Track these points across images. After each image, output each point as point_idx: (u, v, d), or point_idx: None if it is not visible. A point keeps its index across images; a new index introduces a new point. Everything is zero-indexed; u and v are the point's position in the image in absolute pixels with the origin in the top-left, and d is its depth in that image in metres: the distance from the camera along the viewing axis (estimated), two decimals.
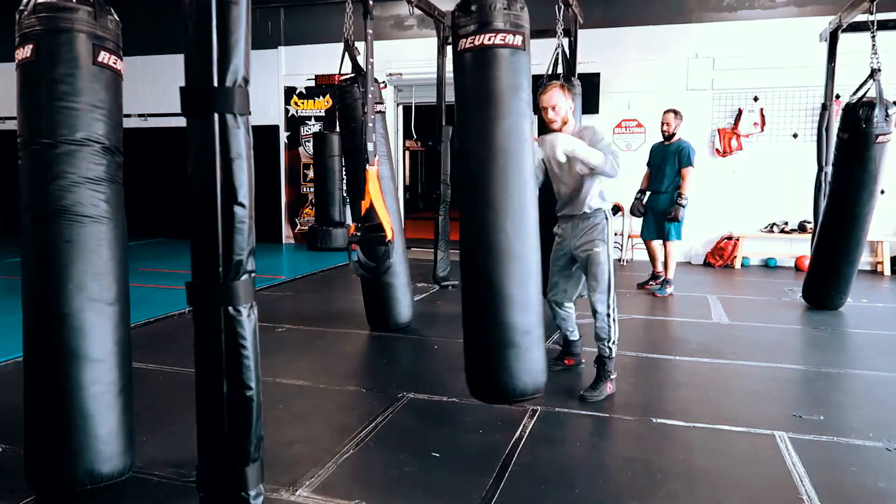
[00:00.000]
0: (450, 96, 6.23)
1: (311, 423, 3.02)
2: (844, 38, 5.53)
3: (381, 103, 4.44)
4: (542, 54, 4.80)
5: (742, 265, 7.74)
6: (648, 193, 6.04)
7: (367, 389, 3.42)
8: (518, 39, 2.61)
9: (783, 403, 3.26)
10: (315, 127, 9.28)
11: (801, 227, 7.53)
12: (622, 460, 2.61)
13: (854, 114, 4.84)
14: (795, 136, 7.67)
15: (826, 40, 5.68)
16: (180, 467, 2.43)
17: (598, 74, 7.96)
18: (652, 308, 5.45)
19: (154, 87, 9.50)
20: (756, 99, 7.72)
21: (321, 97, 9.30)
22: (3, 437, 2.70)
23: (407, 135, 9.97)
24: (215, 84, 1.70)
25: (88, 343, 2.20)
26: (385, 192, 3.66)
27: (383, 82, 8.66)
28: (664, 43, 7.91)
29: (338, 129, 4.69)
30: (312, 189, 8.45)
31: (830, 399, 3.30)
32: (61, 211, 2.17)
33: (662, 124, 5.88)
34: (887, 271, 7.28)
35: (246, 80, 1.75)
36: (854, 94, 4.98)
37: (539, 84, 3.53)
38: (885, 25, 5.08)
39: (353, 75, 4.27)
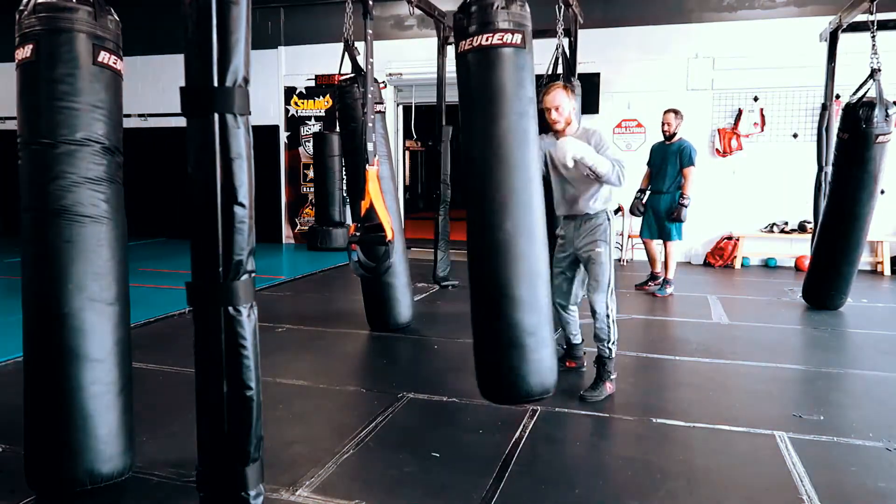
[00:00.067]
0: (450, 96, 6.29)
1: (311, 423, 3.02)
2: (844, 38, 5.53)
3: (381, 103, 4.44)
4: (542, 54, 4.80)
5: (742, 265, 7.74)
6: (648, 193, 6.05)
7: (367, 389, 3.42)
8: (519, 38, 2.61)
9: (783, 403, 3.26)
10: (315, 127, 9.29)
11: (801, 227, 7.53)
12: (622, 460, 2.61)
13: (854, 114, 4.84)
14: (795, 136, 7.67)
15: (826, 40, 5.68)
16: (180, 467, 2.43)
17: (598, 74, 7.96)
18: (652, 308, 5.45)
19: (154, 87, 9.50)
20: (756, 99, 7.72)
21: (321, 97, 9.30)
22: (3, 437, 2.70)
23: (407, 135, 9.97)
24: (215, 84, 1.70)
25: (88, 343, 2.20)
26: (385, 192, 3.66)
27: (383, 82, 8.66)
28: (664, 43, 7.91)
29: (338, 129, 4.69)
30: (312, 189, 8.47)
31: (830, 399, 3.30)
32: (61, 211, 2.17)
33: (663, 124, 5.88)
34: (887, 271, 7.28)
35: (246, 80, 1.75)
36: (854, 94, 4.98)
37: (539, 84, 3.53)
38: (885, 25, 5.08)
39: (353, 75, 4.27)
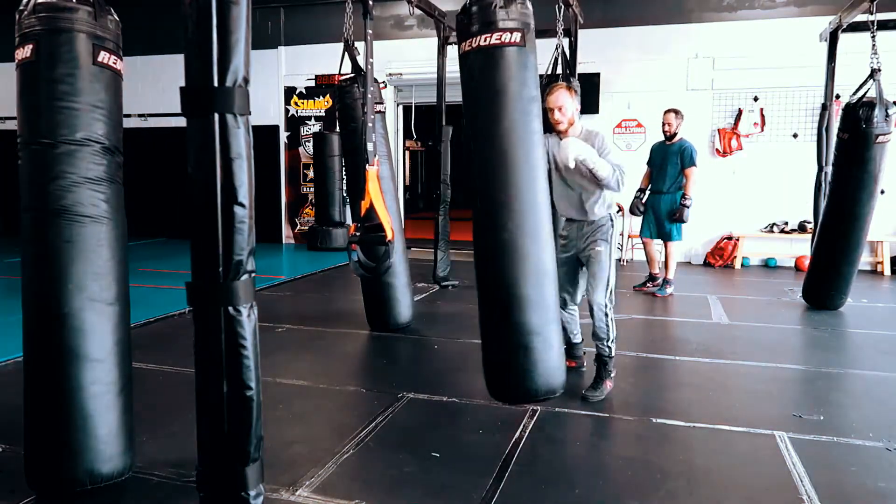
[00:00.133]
0: (450, 96, 6.30)
1: (311, 423, 3.02)
2: (844, 38, 5.53)
3: (381, 103, 4.44)
4: (542, 54, 4.80)
5: (742, 265, 7.73)
6: (648, 192, 6.05)
7: (367, 389, 3.42)
8: (521, 37, 2.61)
9: (783, 403, 3.26)
10: (315, 127, 9.29)
11: (801, 227, 7.53)
12: (622, 460, 2.61)
13: (854, 114, 4.84)
14: (795, 136, 7.67)
15: (826, 40, 5.68)
16: (180, 467, 2.43)
17: (598, 74, 7.96)
18: (652, 308, 5.45)
19: (154, 87, 9.50)
20: (756, 99, 7.72)
21: (321, 97, 9.30)
22: (3, 437, 2.70)
23: (407, 135, 9.97)
24: (215, 84, 1.70)
25: (88, 343, 2.20)
26: (385, 192, 3.66)
27: (383, 82, 8.66)
28: (664, 43, 7.91)
29: (338, 129, 4.69)
30: (312, 189, 8.46)
31: (830, 399, 3.30)
32: (61, 211, 2.17)
33: (664, 124, 5.87)
34: (887, 271, 7.28)
35: (246, 80, 1.75)
36: (854, 94, 4.98)
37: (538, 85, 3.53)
38: (885, 25, 5.08)
39: (352, 75, 4.27)
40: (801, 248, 7.53)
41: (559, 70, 5.18)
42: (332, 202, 6.05)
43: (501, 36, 2.59)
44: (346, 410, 3.18)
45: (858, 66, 5.15)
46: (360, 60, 3.84)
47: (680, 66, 7.88)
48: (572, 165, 3.05)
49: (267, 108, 9.33)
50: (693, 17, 7.86)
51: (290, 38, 9.29)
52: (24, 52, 2.18)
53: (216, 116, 1.70)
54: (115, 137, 2.29)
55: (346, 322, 4.83)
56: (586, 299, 3.37)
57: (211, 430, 1.81)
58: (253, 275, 1.80)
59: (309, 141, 9.19)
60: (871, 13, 4.72)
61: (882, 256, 7.33)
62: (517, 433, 2.81)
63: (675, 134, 5.83)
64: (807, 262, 5.99)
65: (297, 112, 9.42)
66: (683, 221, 5.77)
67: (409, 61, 8.63)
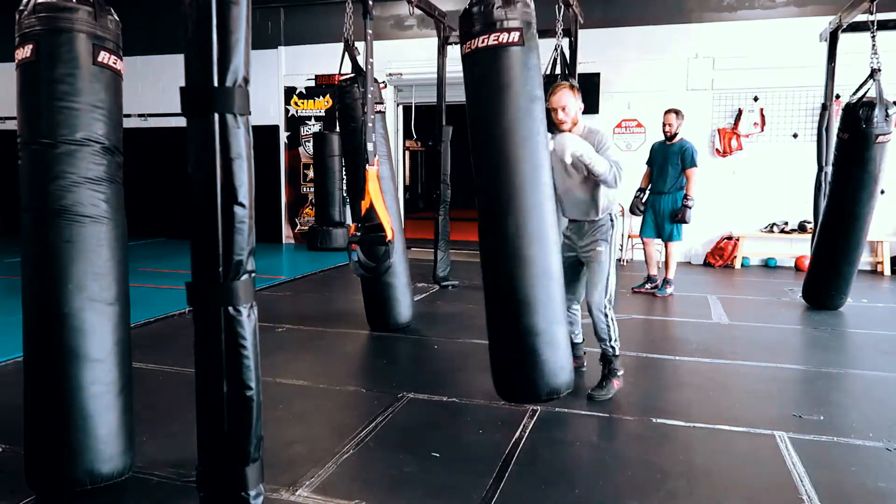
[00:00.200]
0: (450, 96, 6.29)
1: (311, 423, 3.02)
2: (844, 38, 5.53)
3: (381, 103, 4.44)
4: (542, 55, 4.81)
5: (742, 265, 7.73)
6: (648, 192, 6.04)
7: (367, 389, 3.42)
8: (524, 37, 2.61)
9: (783, 403, 3.26)
10: (315, 127, 9.29)
11: (801, 227, 7.53)
12: (622, 460, 2.61)
13: (854, 114, 4.84)
14: (795, 136, 7.67)
15: (826, 40, 5.68)
16: (180, 467, 2.43)
17: (598, 74, 7.96)
18: (652, 308, 5.45)
19: (154, 87, 9.50)
20: (756, 99, 7.72)
21: (321, 97, 9.30)
22: (3, 437, 2.70)
23: (407, 135, 9.97)
24: (215, 84, 1.70)
25: (88, 343, 2.20)
26: (385, 192, 3.66)
27: (383, 82, 8.66)
28: (664, 43, 7.91)
29: (338, 129, 4.69)
30: (312, 189, 8.45)
31: (830, 399, 3.30)
32: (61, 211, 2.17)
33: (664, 124, 5.87)
34: (887, 271, 7.28)
35: (246, 80, 1.75)
36: (854, 94, 4.98)
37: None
38: (885, 25, 5.08)
39: (353, 75, 4.27)
40: (801, 248, 7.53)
41: (558, 70, 5.18)
42: (332, 202, 6.04)
43: (503, 36, 2.59)
44: (346, 410, 3.17)
45: (858, 66, 5.15)
46: (360, 60, 3.84)
47: (680, 66, 7.88)
48: (569, 161, 3.06)
49: (267, 108, 9.33)
50: (693, 17, 7.86)
51: (290, 38, 9.29)
52: (24, 52, 2.19)
53: (216, 116, 1.70)
54: (115, 137, 2.29)
55: (346, 322, 4.83)
56: (586, 299, 3.36)
57: (211, 430, 1.81)
58: (253, 275, 1.80)
59: (309, 141, 9.19)
60: (871, 13, 4.72)
61: (882, 256, 7.33)
62: (517, 433, 2.81)
63: (676, 134, 5.83)
64: (807, 262, 5.99)
65: (297, 112, 9.42)
66: (686, 222, 5.77)
67: (409, 61, 8.63)
